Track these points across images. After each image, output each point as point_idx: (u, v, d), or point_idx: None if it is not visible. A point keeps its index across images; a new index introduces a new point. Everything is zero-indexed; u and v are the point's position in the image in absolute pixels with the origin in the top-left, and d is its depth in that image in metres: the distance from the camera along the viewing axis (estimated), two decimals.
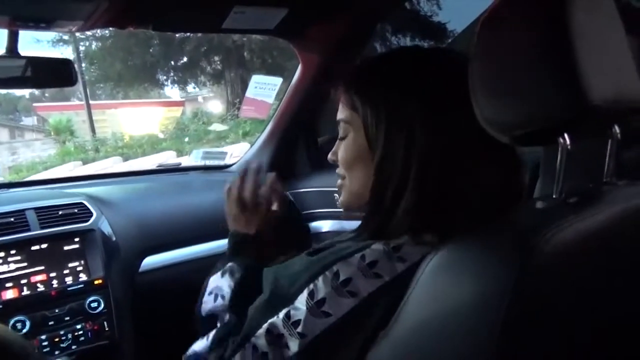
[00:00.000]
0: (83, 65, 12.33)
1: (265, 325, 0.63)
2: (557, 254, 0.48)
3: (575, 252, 0.50)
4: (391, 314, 0.56)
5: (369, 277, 0.58)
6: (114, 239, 1.25)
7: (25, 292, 1.12)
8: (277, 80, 1.86)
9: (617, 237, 0.55)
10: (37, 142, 13.22)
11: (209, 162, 1.87)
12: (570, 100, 0.48)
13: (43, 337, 1.10)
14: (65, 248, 1.18)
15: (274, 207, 0.92)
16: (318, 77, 1.41)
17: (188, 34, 10.67)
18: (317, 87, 1.43)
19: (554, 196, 0.55)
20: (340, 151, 0.71)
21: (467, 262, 0.53)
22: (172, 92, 15.78)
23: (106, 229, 1.24)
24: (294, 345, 0.60)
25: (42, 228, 1.18)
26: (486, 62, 0.53)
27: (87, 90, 11.94)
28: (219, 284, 0.80)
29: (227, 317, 0.76)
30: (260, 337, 0.63)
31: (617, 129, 0.58)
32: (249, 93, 1.84)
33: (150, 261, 1.31)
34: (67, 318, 1.13)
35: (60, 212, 1.22)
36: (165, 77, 13.70)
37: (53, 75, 1.11)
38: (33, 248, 1.16)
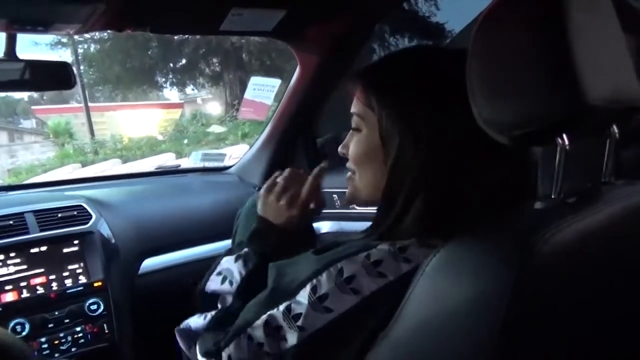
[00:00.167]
0: (82, 67, 12.35)
1: (264, 317, 0.63)
2: (556, 254, 0.48)
3: (574, 252, 0.50)
4: (393, 315, 0.56)
5: (372, 275, 0.59)
6: (113, 241, 1.25)
7: (25, 294, 1.12)
8: (276, 82, 1.86)
9: (617, 236, 0.55)
10: (36, 144, 13.20)
11: (208, 164, 1.88)
12: (568, 100, 0.47)
13: (43, 339, 1.10)
14: (65, 250, 1.19)
15: (312, 205, 0.87)
16: (316, 78, 1.41)
17: (186, 36, 10.68)
18: (316, 87, 1.43)
19: (552, 196, 0.55)
20: (352, 146, 0.70)
21: (467, 262, 0.52)
22: (171, 94, 15.82)
23: (105, 231, 1.24)
24: (292, 338, 0.60)
25: (42, 231, 1.18)
26: (484, 62, 0.53)
27: (86, 93, 11.93)
28: (231, 267, 0.80)
29: (230, 300, 0.76)
30: (257, 328, 0.63)
31: (615, 128, 0.58)
32: (248, 95, 1.84)
33: (150, 263, 1.31)
34: (67, 320, 1.13)
35: (59, 215, 1.22)
36: (164, 79, 13.71)
37: (52, 78, 1.12)
38: (32, 251, 1.16)
